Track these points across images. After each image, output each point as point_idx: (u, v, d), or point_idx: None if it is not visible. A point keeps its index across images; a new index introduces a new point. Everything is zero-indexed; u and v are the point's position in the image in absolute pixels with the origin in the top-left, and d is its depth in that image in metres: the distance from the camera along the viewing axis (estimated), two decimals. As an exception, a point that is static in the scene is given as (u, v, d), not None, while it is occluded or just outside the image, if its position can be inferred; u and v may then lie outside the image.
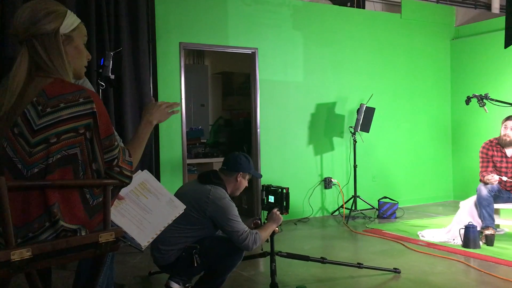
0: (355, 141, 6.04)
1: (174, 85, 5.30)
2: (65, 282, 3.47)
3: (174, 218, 2.00)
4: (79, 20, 1.75)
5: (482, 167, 4.83)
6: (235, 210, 2.97)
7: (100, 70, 4.09)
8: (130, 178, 1.73)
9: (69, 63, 1.69)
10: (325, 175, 6.24)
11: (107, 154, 1.67)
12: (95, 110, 1.62)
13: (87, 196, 1.64)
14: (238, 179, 3.13)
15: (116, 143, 1.70)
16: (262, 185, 3.57)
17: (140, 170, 2.04)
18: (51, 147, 1.56)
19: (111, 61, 4.07)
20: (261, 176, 3.62)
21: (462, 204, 4.90)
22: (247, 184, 3.24)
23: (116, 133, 1.73)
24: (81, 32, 1.76)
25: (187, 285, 3.11)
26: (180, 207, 2.04)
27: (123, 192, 1.88)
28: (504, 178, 4.64)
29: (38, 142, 1.56)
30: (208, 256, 2.93)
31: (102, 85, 4.07)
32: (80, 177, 1.62)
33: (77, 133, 1.59)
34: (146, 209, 1.93)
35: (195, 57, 7.82)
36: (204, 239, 2.98)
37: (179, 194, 2.87)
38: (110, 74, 4.06)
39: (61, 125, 1.57)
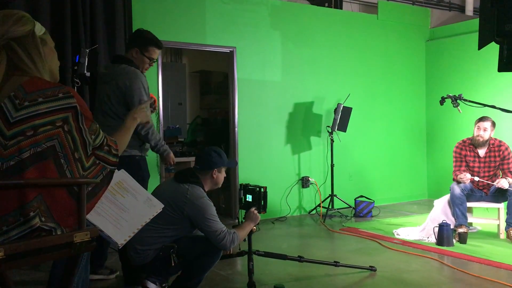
0: (332, 140, 6.09)
1: (151, 83, 5.22)
2: (39, 283, 3.40)
3: (152, 217, 1.99)
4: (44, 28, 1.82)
5: (455, 166, 4.93)
6: (213, 210, 2.96)
7: (75, 67, 4.01)
8: (117, 156, 1.80)
9: (47, 63, 1.74)
10: (302, 174, 6.27)
11: (95, 140, 1.72)
12: (76, 104, 1.66)
13: (74, 188, 1.65)
14: (214, 175, 3.12)
15: (99, 129, 1.76)
16: (240, 184, 3.57)
17: (116, 170, 2.01)
18: (27, 140, 1.57)
19: (87, 58, 4.01)
20: (236, 163, 3.54)
21: (436, 202, 4.99)
22: (225, 175, 3.23)
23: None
24: (50, 38, 1.82)
25: (164, 285, 3.08)
26: (158, 206, 2.02)
27: (99, 191, 1.86)
28: (476, 178, 4.74)
29: (14, 134, 1.56)
30: (185, 255, 2.91)
31: (77, 82, 4.00)
32: (64, 169, 1.63)
33: (54, 125, 1.61)
34: (123, 207, 1.91)
35: (172, 55, 7.75)
36: (182, 239, 2.96)
37: (156, 194, 2.85)
38: (85, 71, 3.99)
39: (38, 118, 1.59)
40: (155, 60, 3.44)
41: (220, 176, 3.16)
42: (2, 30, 1.65)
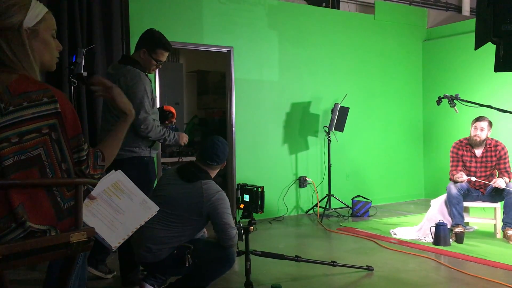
0: (329, 140, 6.09)
1: (148, 83, 5.23)
2: (35, 283, 3.39)
3: (147, 220, 1.97)
4: (45, 10, 1.66)
5: (452, 166, 4.93)
6: (228, 203, 2.98)
7: (72, 67, 4.01)
8: (99, 179, 1.76)
9: (35, 58, 1.62)
10: (299, 174, 6.28)
11: (75, 154, 1.64)
12: (60, 110, 1.57)
13: (57, 198, 1.59)
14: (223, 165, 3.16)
15: (85, 144, 1.67)
16: (237, 184, 3.56)
17: (113, 170, 2.00)
18: (11, 147, 1.51)
19: (84, 58, 4.00)
20: None
21: (433, 202, 5.00)
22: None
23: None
24: (48, 25, 1.67)
25: (162, 286, 3.07)
26: (153, 208, 2.00)
27: (95, 192, 1.85)
28: (473, 178, 4.75)
29: None
30: (200, 258, 2.90)
31: (74, 83, 3.99)
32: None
33: (41, 133, 1.55)
34: (118, 209, 1.89)
35: (170, 55, 7.72)
36: (199, 241, 2.97)
37: (167, 199, 2.85)
38: (82, 71, 3.98)
39: (23, 125, 1.53)
40: (162, 62, 3.40)
41: None
42: None
